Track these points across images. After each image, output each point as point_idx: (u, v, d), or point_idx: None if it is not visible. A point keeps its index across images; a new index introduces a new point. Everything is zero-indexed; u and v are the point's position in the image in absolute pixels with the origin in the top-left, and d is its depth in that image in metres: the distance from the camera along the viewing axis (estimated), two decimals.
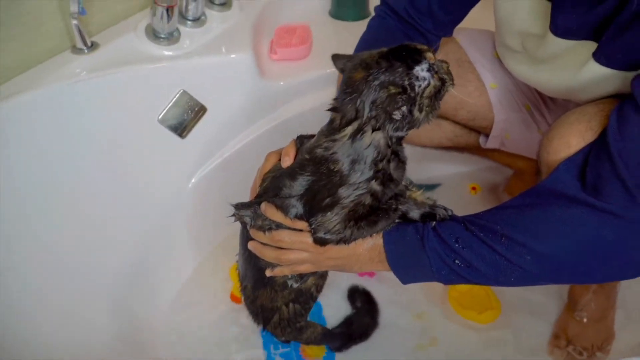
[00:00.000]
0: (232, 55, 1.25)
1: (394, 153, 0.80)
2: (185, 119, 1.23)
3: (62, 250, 1.07)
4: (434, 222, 0.84)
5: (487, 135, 1.30)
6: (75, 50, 1.13)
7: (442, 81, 0.78)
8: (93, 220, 1.13)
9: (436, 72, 0.77)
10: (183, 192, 1.27)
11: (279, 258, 0.89)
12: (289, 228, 0.85)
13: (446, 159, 1.51)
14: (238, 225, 1.33)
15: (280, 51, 1.31)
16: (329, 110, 0.80)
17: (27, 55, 1.08)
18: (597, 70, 0.88)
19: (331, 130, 0.79)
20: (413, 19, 1.04)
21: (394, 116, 0.75)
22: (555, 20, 0.90)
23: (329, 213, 0.81)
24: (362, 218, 0.82)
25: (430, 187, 1.53)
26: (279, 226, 0.86)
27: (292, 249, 0.87)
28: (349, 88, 0.77)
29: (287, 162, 0.85)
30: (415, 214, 0.87)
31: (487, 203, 1.50)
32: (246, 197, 1.33)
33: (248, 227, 0.91)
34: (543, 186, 0.81)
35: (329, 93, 1.30)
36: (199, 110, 1.24)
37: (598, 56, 0.87)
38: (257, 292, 1.02)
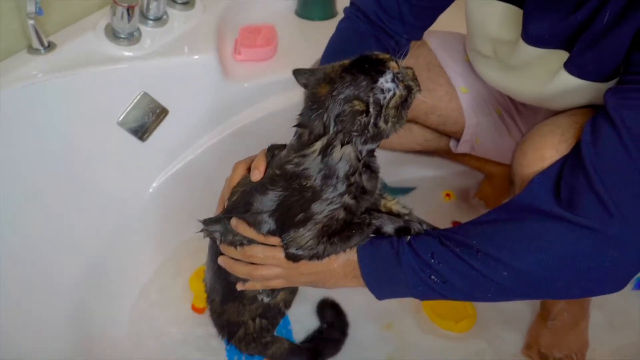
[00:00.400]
0: (195, 56, 1.23)
1: (366, 165, 0.80)
2: (146, 121, 1.21)
3: (19, 255, 1.04)
4: (409, 237, 0.83)
5: (457, 140, 1.28)
6: (32, 50, 1.10)
7: (408, 89, 0.77)
8: (51, 223, 1.11)
9: (401, 81, 0.76)
10: (144, 196, 1.24)
11: (250, 274, 0.87)
12: (261, 243, 0.84)
13: (420, 162, 1.50)
14: (200, 228, 1.32)
15: (245, 52, 1.29)
16: (296, 126, 0.78)
17: None
18: (568, 81, 0.87)
19: (300, 145, 0.78)
20: (383, 22, 1.03)
21: (359, 131, 0.73)
22: (527, 28, 0.89)
23: (301, 229, 0.80)
24: (336, 233, 0.81)
25: (405, 190, 1.51)
26: (250, 241, 0.84)
27: (265, 265, 0.85)
28: (314, 104, 0.75)
29: (256, 175, 0.82)
30: (389, 228, 0.85)
31: (461, 209, 1.49)
32: (208, 202, 1.30)
33: (218, 242, 0.89)
34: (517, 201, 0.80)
35: (295, 94, 1.28)
36: (160, 113, 1.22)
37: (569, 67, 0.86)
38: (225, 306, 1.01)
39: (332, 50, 1.05)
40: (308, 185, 0.78)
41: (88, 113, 1.15)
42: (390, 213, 0.87)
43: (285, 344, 1.10)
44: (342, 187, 0.77)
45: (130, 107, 1.18)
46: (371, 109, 0.73)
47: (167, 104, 1.22)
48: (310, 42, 1.35)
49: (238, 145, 1.31)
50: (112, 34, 1.17)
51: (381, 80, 0.74)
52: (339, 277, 0.86)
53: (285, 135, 0.82)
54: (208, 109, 1.27)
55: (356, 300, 1.20)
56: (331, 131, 0.74)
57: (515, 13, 0.92)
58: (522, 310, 1.25)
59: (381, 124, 0.75)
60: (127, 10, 1.12)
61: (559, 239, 0.75)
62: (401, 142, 1.36)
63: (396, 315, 1.23)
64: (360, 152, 0.77)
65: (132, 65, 1.17)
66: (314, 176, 0.77)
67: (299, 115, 0.78)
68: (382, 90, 0.74)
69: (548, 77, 0.91)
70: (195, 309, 1.22)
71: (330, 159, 0.76)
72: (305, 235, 0.80)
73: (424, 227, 0.86)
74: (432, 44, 1.23)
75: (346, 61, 0.77)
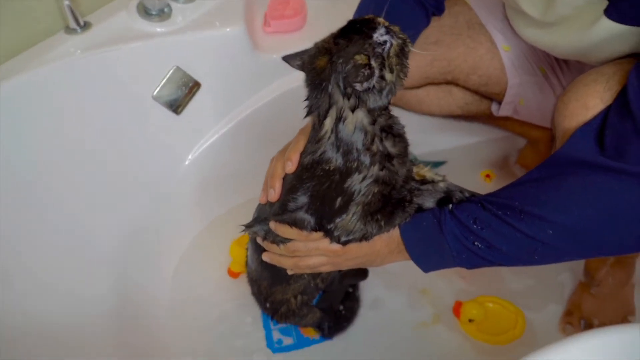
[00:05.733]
0: (225, 30, 1.24)
1: (384, 129, 0.78)
2: (180, 95, 1.24)
3: (59, 222, 1.11)
4: (451, 205, 0.82)
5: (499, 103, 1.24)
6: (69, 30, 1.16)
7: (403, 39, 0.76)
8: (92, 192, 1.17)
9: (394, 33, 0.75)
10: (180, 168, 1.28)
11: (297, 265, 0.89)
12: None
13: (452, 129, 1.46)
14: (238, 199, 1.35)
15: (274, 23, 1.30)
16: (306, 116, 0.78)
17: (22, 39, 1.11)
18: (609, 27, 0.82)
19: (315, 132, 0.78)
20: None
21: (368, 85, 0.72)
22: None
23: (344, 215, 0.80)
24: (378, 210, 0.80)
25: (435, 164, 1.46)
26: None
27: (310, 256, 0.87)
28: (315, 79, 0.75)
29: (289, 167, 0.82)
30: (430, 203, 0.84)
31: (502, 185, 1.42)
32: (244, 173, 1.35)
33: (261, 242, 0.91)
34: (559, 155, 0.77)
35: None
36: (193, 86, 1.25)
37: (610, 12, 0.80)
38: (274, 289, 1.04)
39: (364, 12, 1.04)
40: (331, 168, 0.77)
41: (124, 88, 1.19)
42: (423, 181, 0.86)
43: (317, 313, 1.12)
44: (366, 159, 0.76)
45: (164, 82, 1.22)
46: (373, 62, 0.72)
47: (200, 78, 1.25)
48: (340, 9, 1.33)
49: (271, 117, 1.32)
50: (144, 11, 1.21)
51: (375, 35, 0.73)
52: (385, 254, 0.86)
53: None
54: (239, 81, 1.28)
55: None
56: (340, 98, 0.73)
57: None
58: None
59: (387, 75, 0.73)
60: None
61: (607, 190, 0.71)
62: (440, 105, 1.33)
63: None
64: (373, 112, 0.75)
65: (164, 40, 1.20)
66: (334, 157, 0.77)
67: (305, 101, 0.78)
68: (379, 43, 0.73)
69: (587, 27, 0.86)
70: (231, 273, 1.26)
71: (344, 133, 0.75)
72: (352, 219, 0.80)
73: (466, 194, 0.84)
74: (471, 1, 1.18)
75: (334, 31, 0.77)
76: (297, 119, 0.83)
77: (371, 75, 0.72)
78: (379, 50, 0.73)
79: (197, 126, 1.28)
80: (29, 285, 1.02)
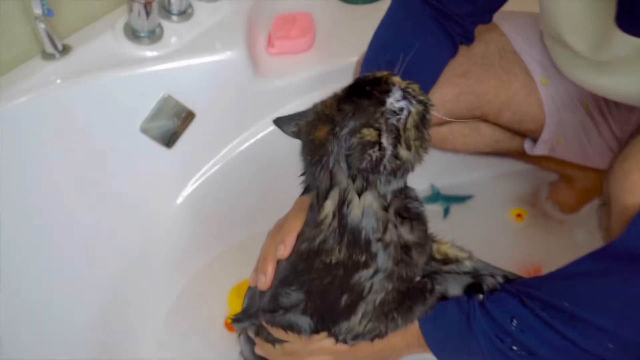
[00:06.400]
0: (225, 53, 1.10)
1: (399, 213, 0.64)
2: (172, 126, 1.11)
3: (29, 287, 0.98)
4: (481, 295, 0.68)
5: (534, 140, 1.08)
6: (46, 55, 1.03)
7: (424, 104, 0.61)
8: (71, 240, 1.04)
9: (413, 97, 0.60)
10: (172, 206, 1.15)
11: None
12: None
13: (476, 160, 1.31)
14: (235, 238, 1.22)
15: (279, 44, 1.15)
16: (302, 194, 0.65)
17: None
18: None
19: (313, 215, 0.64)
20: (442, 3, 0.85)
21: (370, 169, 0.58)
22: (623, 11, 0.68)
23: (353, 316, 0.66)
24: (394, 309, 0.67)
25: (461, 198, 1.31)
26: None
27: (312, 356, 0.74)
28: (314, 154, 0.61)
29: (281, 252, 0.68)
30: (456, 290, 0.71)
31: (537, 228, 1.26)
32: (243, 211, 1.22)
33: (253, 337, 0.79)
34: (620, 245, 0.62)
35: (336, 89, 1.13)
36: (186, 117, 1.11)
37: None
38: None
39: (382, 40, 0.89)
40: (333, 262, 0.63)
41: (109, 120, 1.06)
42: (446, 260, 0.72)
43: None
44: (378, 252, 0.63)
45: (153, 112, 1.09)
46: (384, 139, 0.58)
47: (194, 107, 1.11)
48: (352, 30, 1.19)
49: (273, 149, 1.19)
50: (132, 33, 1.07)
51: (389, 100, 0.59)
52: (402, 348, 0.73)
53: None
54: (239, 110, 1.15)
55: None
56: (342, 179, 0.59)
57: None
58: None
59: (402, 152, 0.59)
60: (145, 6, 1.02)
61: None
62: (466, 144, 1.17)
63: None
64: (385, 197, 0.61)
65: (155, 66, 1.06)
66: (336, 248, 0.62)
67: (301, 176, 0.64)
68: (394, 112, 0.58)
69: None
70: (228, 326, 1.13)
71: (350, 219, 0.61)
72: (361, 321, 0.67)
73: (499, 279, 0.70)
74: (505, 27, 1.03)
75: (338, 91, 0.62)
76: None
77: (382, 158, 0.58)
78: (393, 121, 0.59)
79: (191, 160, 1.15)
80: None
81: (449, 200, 1.29)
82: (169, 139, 1.11)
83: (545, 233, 1.24)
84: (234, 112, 1.14)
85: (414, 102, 0.60)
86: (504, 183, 1.34)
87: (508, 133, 1.11)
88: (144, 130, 1.09)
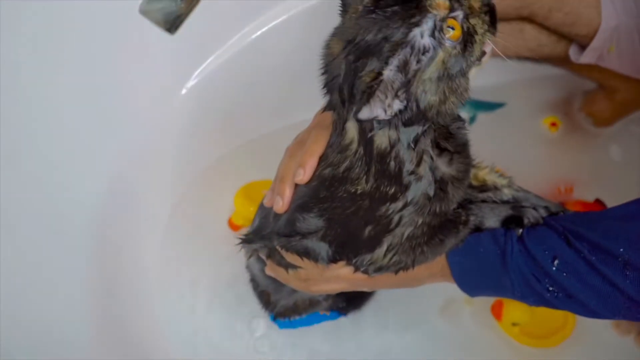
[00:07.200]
0: None
1: (438, 142, 0.56)
2: (175, 8, 0.98)
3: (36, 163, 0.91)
4: (521, 230, 0.62)
5: (582, 46, 0.97)
6: None
7: (466, 41, 0.51)
8: (71, 131, 0.95)
9: (456, 30, 0.50)
10: (176, 98, 1.06)
11: (309, 289, 0.71)
12: None
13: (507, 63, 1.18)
14: (246, 135, 1.14)
15: None
16: (324, 111, 0.57)
17: None
18: None
19: (337, 137, 0.57)
20: None
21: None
22: None
23: (377, 249, 0.60)
24: (424, 242, 0.61)
25: (492, 105, 1.20)
26: None
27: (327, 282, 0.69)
28: (329, 66, 0.52)
29: (301, 176, 0.61)
30: (493, 222, 0.64)
31: (571, 140, 1.16)
32: (251, 108, 1.12)
33: (264, 259, 0.73)
34: None
35: None
36: None
37: None
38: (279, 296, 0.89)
39: None
40: (358, 192, 0.56)
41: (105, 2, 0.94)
42: (483, 187, 0.66)
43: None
44: (411, 183, 0.56)
45: None
46: (388, 86, 0.48)
47: None
48: None
49: (289, 40, 1.08)
50: None
51: (413, 32, 0.48)
52: (424, 277, 0.69)
53: None
54: None
55: None
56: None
57: None
58: None
59: (423, 98, 0.50)
60: None
61: None
62: (505, 47, 1.04)
63: None
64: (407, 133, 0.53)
65: None
66: (362, 177, 0.55)
67: (323, 88, 0.54)
68: (418, 50, 0.48)
69: None
70: (232, 225, 1.09)
71: (374, 146, 0.53)
72: (386, 254, 0.61)
73: (541, 211, 0.63)
74: None
75: None
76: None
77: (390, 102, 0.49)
78: (408, 60, 0.48)
79: (197, 49, 1.05)
80: None
81: (478, 107, 1.18)
82: (171, 23, 0.98)
83: (580, 145, 1.16)
84: None
85: (442, 42, 0.49)
86: (534, 88, 1.23)
87: (554, 37, 0.99)
88: (144, 13, 0.96)
